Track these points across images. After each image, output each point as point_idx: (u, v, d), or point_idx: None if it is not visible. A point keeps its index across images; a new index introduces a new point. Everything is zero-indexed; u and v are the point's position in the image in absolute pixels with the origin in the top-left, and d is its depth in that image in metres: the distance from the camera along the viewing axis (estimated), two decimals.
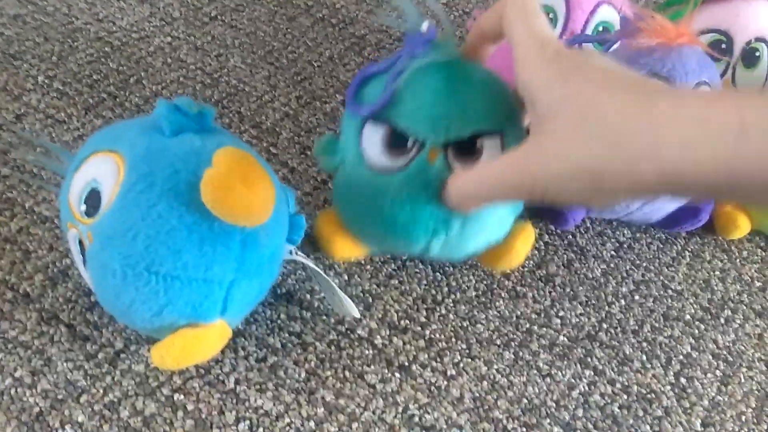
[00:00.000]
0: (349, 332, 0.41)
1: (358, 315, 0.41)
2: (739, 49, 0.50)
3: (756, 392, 0.42)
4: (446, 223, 0.37)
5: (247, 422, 0.37)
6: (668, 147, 0.25)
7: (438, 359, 0.41)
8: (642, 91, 0.27)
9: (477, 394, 0.40)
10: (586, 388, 0.41)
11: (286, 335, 0.41)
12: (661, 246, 0.50)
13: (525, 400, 0.40)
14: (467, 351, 0.42)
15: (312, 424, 0.37)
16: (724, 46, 0.50)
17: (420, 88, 0.35)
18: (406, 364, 0.41)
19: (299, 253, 0.38)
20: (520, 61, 0.31)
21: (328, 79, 0.59)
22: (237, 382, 0.38)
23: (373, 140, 0.37)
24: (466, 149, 0.35)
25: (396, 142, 0.36)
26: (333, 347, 0.41)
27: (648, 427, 0.40)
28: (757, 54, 0.51)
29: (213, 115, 0.35)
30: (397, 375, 0.40)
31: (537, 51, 0.30)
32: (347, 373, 0.40)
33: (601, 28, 0.50)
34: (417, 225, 0.37)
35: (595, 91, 0.28)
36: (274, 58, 0.60)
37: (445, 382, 0.40)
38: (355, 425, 0.38)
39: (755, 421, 0.41)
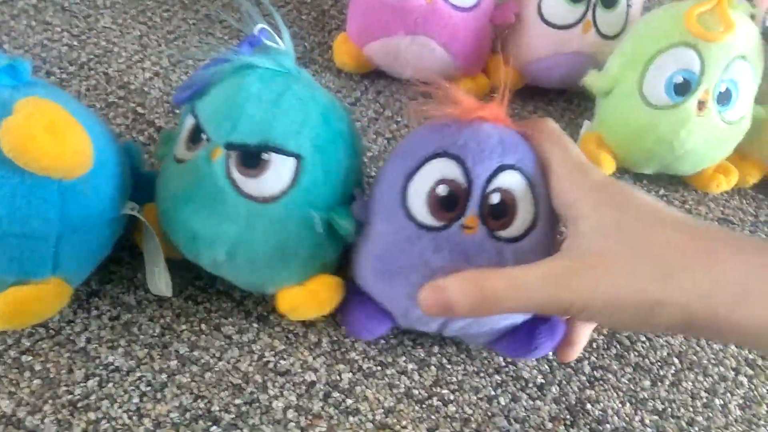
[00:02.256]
0: (207, 287, 0.41)
1: (170, 294, 0.39)
2: None
3: None
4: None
5: (97, 379, 0.37)
6: (723, 293, 0.27)
7: None
8: (703, 235, 0.29)
9: (335, 338, 0.40)
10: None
11: (142, 293, 0.41)
12: None
13: (382, 341, 0.41)
14: None
15: (164, 376, 0.37)
16: None
17: (225, 87, 0.35)
18: (265, 314, 0.41)
19: (140, 211, 0.38)
20: (562, 181, 0.33)
21: (203, 36, 0.58)
22: (88, 340, 0.38)
23: (184, 131, 0.37)
24: (251, 159, 0.34)
25: (196, 135, 0.36)
26: (190, 302, 0.41)
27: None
28: None
29: (28, 68, 0.33)
30: (255, 325, 0.40)
31: (582, 175, 0.32)
32: (203, 326, 0.40)
33: None
34: (191, 221, 0.35)
35: (652, 225, 0.29)
36: (147, 18, 0.59)
37: (303, 330, 0.41)
38: (208, 375, 0.38)
39: None
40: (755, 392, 0.42)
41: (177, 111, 0.51)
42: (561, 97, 0.60)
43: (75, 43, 0.55)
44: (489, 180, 0.34)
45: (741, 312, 0.26)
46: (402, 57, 0.52)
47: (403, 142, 0.37)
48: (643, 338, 0.44)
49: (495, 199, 0.34)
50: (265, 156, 0.34)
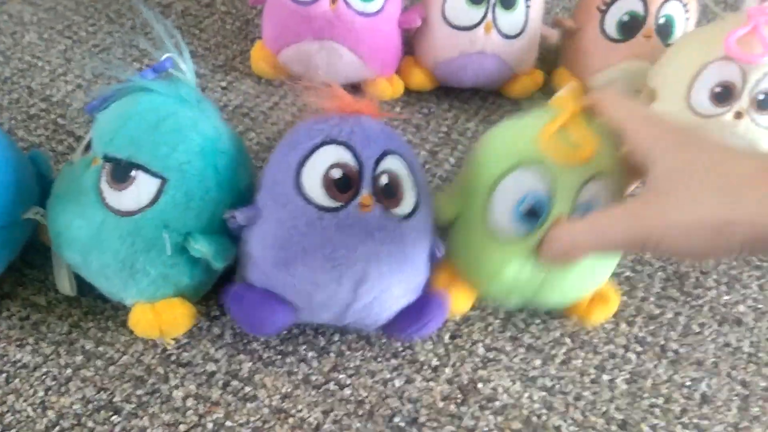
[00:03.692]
0: None
1: (74, 293, 0.41)
2: None
3: None
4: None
5: (4, 375, 0.39)
6: None
7: (203, 303, 0.43)
8: (762, 158, 0.33)
9: (238, 331, 0.42)
10: None
11: (53, 294, 0.43)
12: None
13: (284, 332, 0.43)
14: None
15: (69, 371, 0.39)
16: None
17: (119, 104, 0.38)
18: None
19: (45, 215, 0.39)
20: (635, 135, 0.36)
21: (127, 48, 0.60)
22: None
23: (85, 138, 0.40)
24: (120, 173, 0.37)
25: (89, 143, 0.39)
26: (99, 301, 0.42)
27: None
28: None
29: None
30: None
31: (651, 125, 0.35)
32: (110, 323, 0.42)
33: None
34: (58, 219, 0.38)
35: (720, 156, 0.32)
36: (73, 32, 0.61)
37: (208, 323, 0.43)
38: (112, 368, 0.40)
39: None
40: (642, 367, 0.45)
41: None
42: (476, 96, 0.62)
43: (0, 59, 0.57)
44: (377, 162, 0.38)
45: None
46: (313, 62, 0.55)
47: (288, 135, 0.40)
48: (538, 320, 0.46)
49: (384, 180, 0.38)
50: (133, 173, 0.36)
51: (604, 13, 0.57)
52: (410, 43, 0.59)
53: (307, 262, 0.36)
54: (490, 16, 0.54)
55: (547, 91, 0.62)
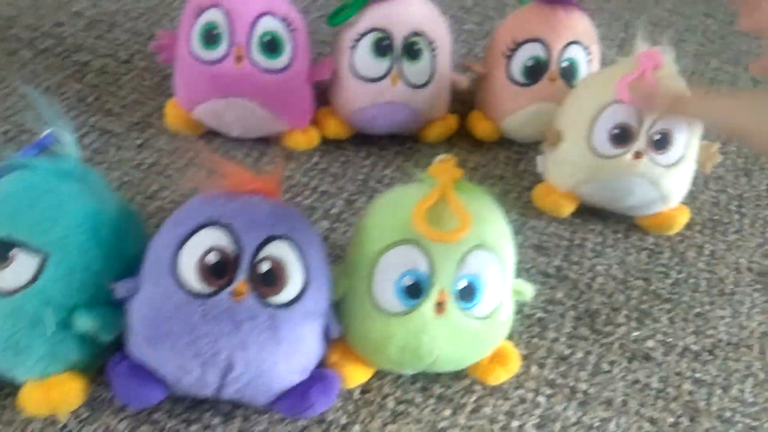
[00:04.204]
0: None
1: None
2: (400, 44, 0.55)
3: None
4: None
5: None
6: None
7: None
8: None
9: None
10: None
11: None
12: None
13: (189, 399, 0.42)
14: None
15: None
16: (386, 42, 0.55)
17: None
18: None
19: None
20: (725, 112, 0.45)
21: (6, 125, 0.59)
22: None
23: None
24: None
25: None
26: None
27: None
28: (417, 47, 0.56)
29: None
30: None
31: (733, 97, 0.46)
32: (8, 401, 0.41)
33: (267, 38, 0.53)
34: None
35: None
36: None
37: (111, 394, 0.42)
38: None
39: None
40: (552, 410, 0.45)
41: None
42: (394, 141, 0.63)
43: None
44: (258, 249, 0.37)
45: None
46: (225, 118, 0.55)
47: (177, 211, 0.40)
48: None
49: (265, 266, 0.37)
50: (12, 251, 0.36)
51: (509, 58, 0.58)
52: (326, 93, 0.60)
53: (172, 346, 0.36)
54: (396, 67, 0.55)
55: (464, 134, 0.64)
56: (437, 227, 0.39)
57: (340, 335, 0.42)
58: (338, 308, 0.43)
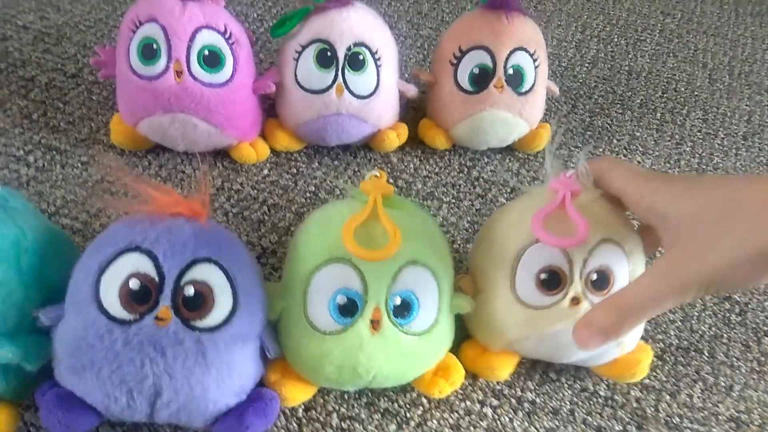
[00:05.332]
0: None
1: None
2: (343, 55, 0.54)
3: None
4: None
5: None
6: None
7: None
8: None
9: None
10: None
11: None
12: None
13: (120, 426, 0.42)
14: None
15: None
16: (329, 53, 0.54)
17: None
18: None
19: None
20: (635, 196, 0.37)
21: None
22: None
23: None
24: None
25: None
26: None
27: None
28: (361, 57, 0.55)
29: None
30: None
31: (646, 181, 0.37)
32: None
33: (206, 52, 0.52)
34: None
35: (731, 191, 0.33)
36: None
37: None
38: None
39: None
40: (498, 422, 0.45)
41: None
42: (346, 152, 0.63)
43: None
44: (182, 273, 0.37)
45: None
46: (169, 134, 0.55)
47: (99, 236, 0.39)
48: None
49: (189, 291, 0.37)
50: None
51: (455, 66, 0.58)
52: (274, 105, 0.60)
53: (97, 375, 0.35)
54: (340, 78, 0.55)
55: (418, 141, 0.64)
56: (368, 244, 0.38)
57: (279, 355, 0.42)
58: (276, 328, 0.42)
